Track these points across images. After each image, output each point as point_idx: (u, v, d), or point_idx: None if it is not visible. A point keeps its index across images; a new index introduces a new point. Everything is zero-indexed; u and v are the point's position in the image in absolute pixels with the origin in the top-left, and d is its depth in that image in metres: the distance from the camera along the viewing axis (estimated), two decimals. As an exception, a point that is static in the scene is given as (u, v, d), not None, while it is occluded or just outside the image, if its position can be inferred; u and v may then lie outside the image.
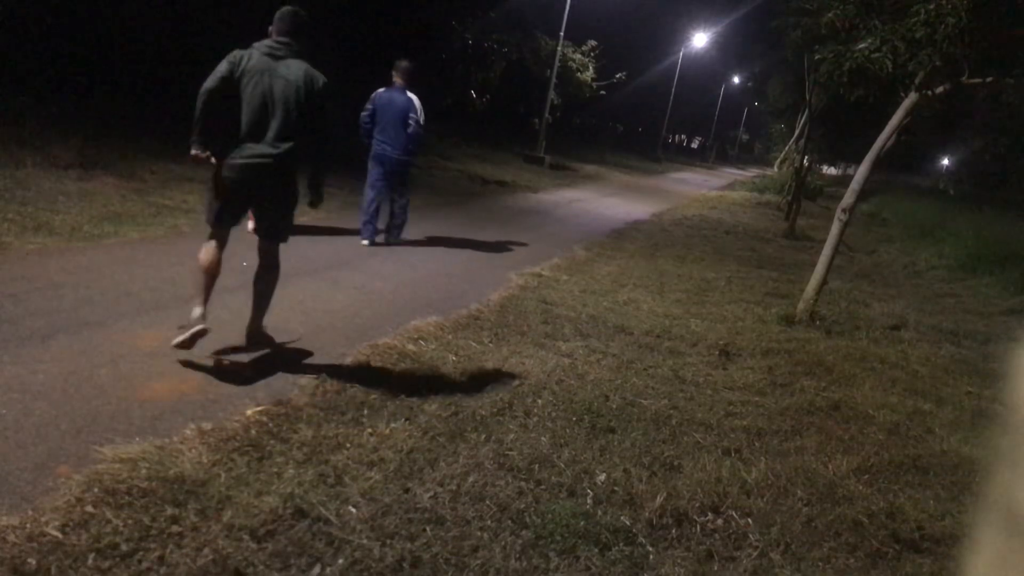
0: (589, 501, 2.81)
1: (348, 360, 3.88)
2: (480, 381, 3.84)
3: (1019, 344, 0.50)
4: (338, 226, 7.29)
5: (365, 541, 2.33)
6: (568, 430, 3.42)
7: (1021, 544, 0.48)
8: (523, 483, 2.86)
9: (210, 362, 3.52)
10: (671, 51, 38.61)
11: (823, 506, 3.06)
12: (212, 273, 3.48)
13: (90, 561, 2.02)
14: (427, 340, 4.34)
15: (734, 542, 2.71)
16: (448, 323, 4.73)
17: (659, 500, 2.84)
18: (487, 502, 2.68)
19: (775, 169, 29.09)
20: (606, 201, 15.16)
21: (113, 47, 11.35)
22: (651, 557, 2.53)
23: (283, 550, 2.22)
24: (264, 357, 3.75)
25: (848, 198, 6.41)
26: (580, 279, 6.74)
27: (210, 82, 3.38)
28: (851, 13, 6.02)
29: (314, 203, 3.85)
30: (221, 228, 3.57)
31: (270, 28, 3.56)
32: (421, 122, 6.80)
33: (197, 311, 3.41)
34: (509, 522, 2.58)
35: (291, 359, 3.78)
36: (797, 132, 20.56)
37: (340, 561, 2.23)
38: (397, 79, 6.84)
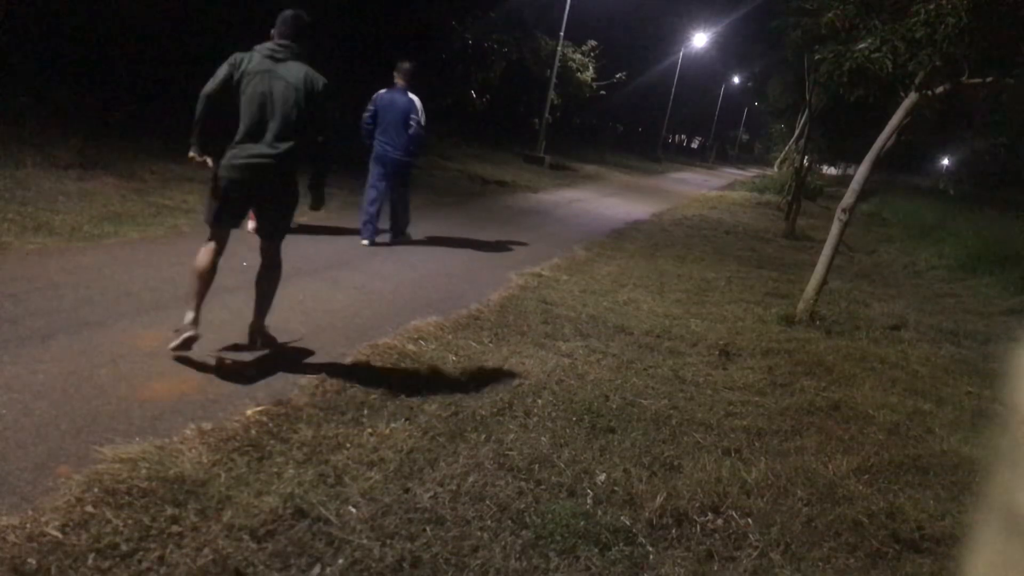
0: (589, 501, 2.81)
1: (348, 360, 3.89)
2: (480, 381, 3.84)
3: (1019, 344, 0.50)
4: (338, 226, 7.29)
5: (365, 541, 2.33)
6: (568, 430, 3.42)
7: (1021, 544, 0.48)
8: (523, 483, 2.86)
9: (212, 361, 3.53)
10: (671, 51, 38.62)
11: (823, 506, 3.06)
12: (205, 278, 3.48)
13: (90, 561, 2.02)
14: (427, 340, 4.34)
15: (734, 542, 2.71)
16: (448, 323, 4.73)
17: (659, 500, 2.84)
18: (487, 502, 2.68)
19: (775, 169, 29.09)
20: (606, 201, 15.16)
21: (113, 47, 11.35)
22: (651, 557, 2.53)
23: (283, 550, 2.22)
24: (265, 357, 3.75)
25: (848, 198, 6.41)
26: (580, 279, 6.74)
27: (210, 86, 3.42)
28: (851, 13, 6.03)
29: (315, 205, 3.86)
30: (221, 229, 3.57)
31: (272, 31, 3.57)
32: (422, 123, 6.83)
33: (189, 316, 3.42)
34: (509, 522, 2.58)
35: (291, 359, 3.78)
36: (797, 132, 20.56)
37: (340, 561, 2.23)
38: (398, 80, 6.86)
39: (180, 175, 7.92)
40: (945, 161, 25.20)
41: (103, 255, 5.07)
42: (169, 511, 2.28)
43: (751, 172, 44.07)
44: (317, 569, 2.18)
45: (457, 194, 12.33)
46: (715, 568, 2.54)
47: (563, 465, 3.06)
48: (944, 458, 3.78)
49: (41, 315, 3.76)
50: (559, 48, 21.80)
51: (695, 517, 2.80)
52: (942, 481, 3.50)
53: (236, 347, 3.77)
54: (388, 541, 2.36)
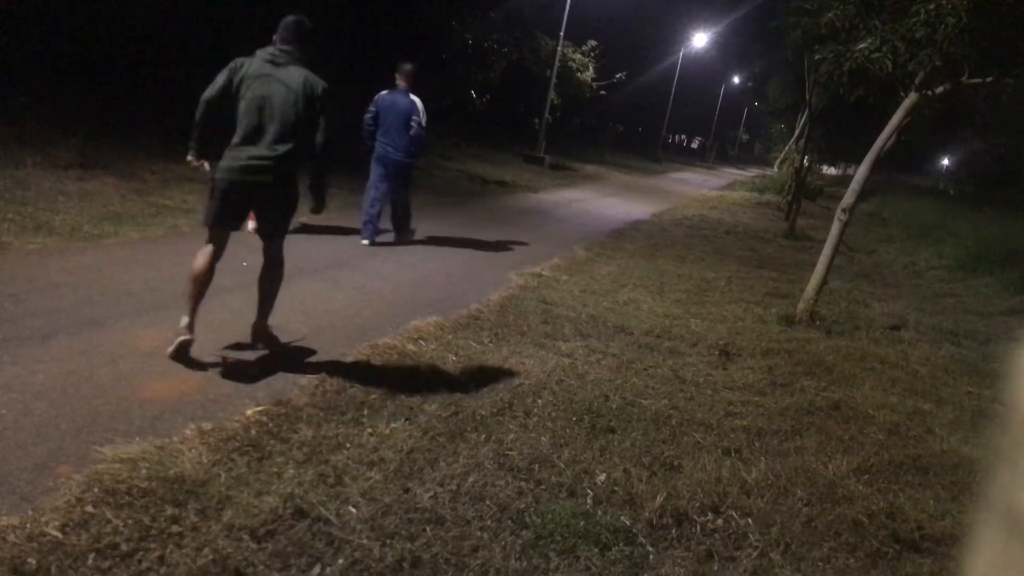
0: (589, 501, 2.81)
1: (348, 360, 3.89)
2: (480, 381, 3.84)
3: (1019, 344, 0.50)
4: (338, 226, 7.29)
5: (365, 541, 2.33)
6: (568, 430, 3.42)
7: (1021, 544, 0.48)
8: (523, 483, 2.86)
9: (214, 361, 3.53)
10: (671, 51, 38.61)
11: (823, 506, 3.06)
12: (202, 282, 3.48)
13: (90, 561, 2.02)
14: (427, 340, 4.34)
15: (734, 542, 2.71)
16: (448, 323, 4.73)
17: (659, 500, 2.84)
18: (487, 502, 2.68)
19: (775, 169, 29.09)
20: (606, 201, 15.16)
21: (113, 47, 11.35)
22: (651, 557, 2.53)
23: (283, 550, 2.22)
24: (266, 356, 3.75)
25: (848, 198, 6.41)
26: (580, 279, 6.74)
27: (209, 92, 3.45)
28: (851, 13, 6.03)
29: (316, 209, 3.88)
30: (220, 231, 3.57)
31: (275, 36, 3.61)
32: (423, 124, 6.87)
33: (184, 320, 3.43)
34: (509, 522, 2.58)
35: (291, 359, 3.78)
36: (797, 132, 20.55)
37: (340, 561, 2.23)
38: (400, 81, 6.89)
39: (180, 175, 7.92)
40: (945, 161, 25.20)
41: (103, 255, 5.07)
42: (169, 511, 2.28)
43: (751, 172, 44.07)
44: (317, 569, 2.18)
45: (457, 194, 12.33)
46: (715, 568, 2.54)
47: (563, 465, 3.06)
48: (944, 458, 3.78)
49: (41, 315, 3.76)
50: (559, 48, 21.80)
51: (695, 517, 2.80)
52: (942, 481, 3.50)
53: (238, 346, 3.78)
54: (388, 541, 2.36)
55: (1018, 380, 0.50)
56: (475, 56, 20.98)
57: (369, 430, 3.06)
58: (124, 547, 2.09)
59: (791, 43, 10.20)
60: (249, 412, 3.05)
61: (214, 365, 3.51)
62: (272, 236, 3.75)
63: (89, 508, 2.23)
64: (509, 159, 20.10)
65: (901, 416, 4.33)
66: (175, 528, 2.22)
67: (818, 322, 6.21)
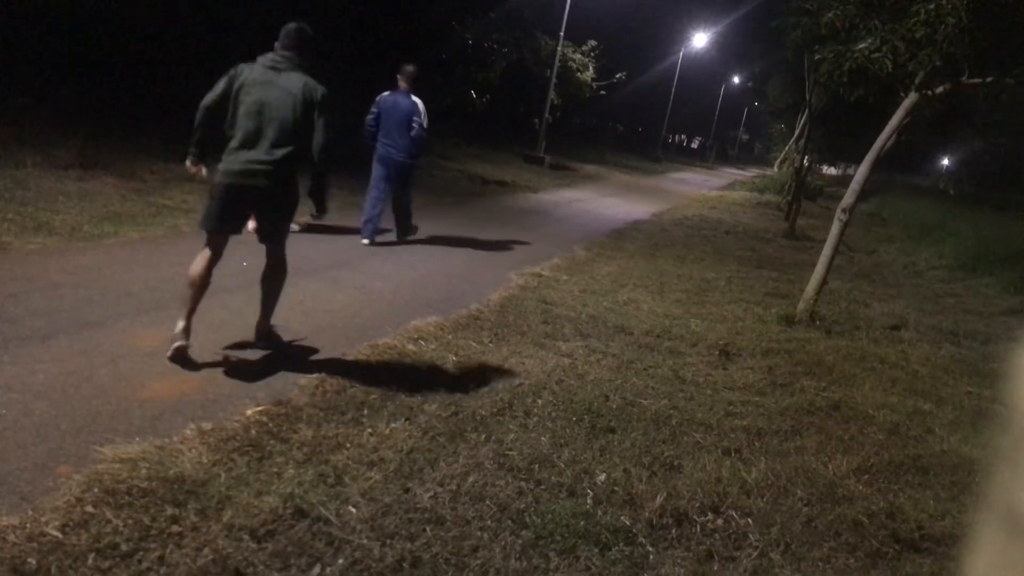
0: (589, 501, 2.81)
1: (348, 360, 3.89)
2: (480, 381, 3.84)
3: (1019, 344, 0.50)
4: (338, 226, 7.29)
5: (365, 541, 2.33)
6: (568, 430, 3.42)
7: (1021, 544, 0.48)
8: (523, 483, 2.86)
9: (215, 361, 3.54)
10: (671, 51, 38.62)
11: (823, 506, 3.06)
12: (199, 287, 3.47)
13: (90, 561, 2.02)
14: (427, 340, 4.34)
15: (734, 542, 2.71)
16: (448, 323, 4.73)
17: (659, 500, 2.84)
18: (487, 502, 2.68)
19: (775, 169, 29.10)
20: (606, 201, 15.16)
21: (113, 47, 11.35)
22: (651, 557, 2.53)
23: (283, 550, 2.22)
24: (266, 356, 3.75)
25: (848, 198, 6.41)
26: (580, 279, 6.74)
27: (209, 98, 3.49)
28: (851, 13, 6.02)
29: (317, 214, 3.90)
30: (219, 235, 3.56)
31: (276, 43, 3.64)
32: (425, 125, 6.93)
33: (180, 324, 3.42)
34: (509, 522, 2.58)
35: (291, 359, 3.79)
36: (797, 132, 20.56)
37: (340, 561, 2.23)
38: (402, 83, 6.93)
39: (180, 175, 7.90)
40: (945, 161, 25.19)
41: (103, 255, 5.07)
42: (169, 511, 2.28)
43: (751, 172, 44.07)
44: (317, 569, 2.18)
45: (457, 194, 12.33)
46: (715, 568, 2.54)
47: (563, 465, 3.06)
48: (944, 458, 3.78)
49: (41, 315, 3.76)
50: (559, 48, 21.80)
51: (695, 517, 2.80)
52: (942, 481, 3.50)
53: (242, 345, 3.78)
54: (388, 541, 2.36)
55: (1018, 380, 0.50)
56: (475, 56, 21.00)
57: (369, 430, 3.06)
58: (124, 547, 2.09)
59: (791, 43, 10.19)
60: (249, 412, 3.05)
61: (214, 365, 3.51)
62: (272, 236, 3.75)
63: (89, 508, 2.23)
64: (509, 159, 20.10)
65: (901, 416, 4.33)
66: (175, 528, 2.22)
67: (818, 322, 6.21)
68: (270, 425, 2.96)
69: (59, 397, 2.96)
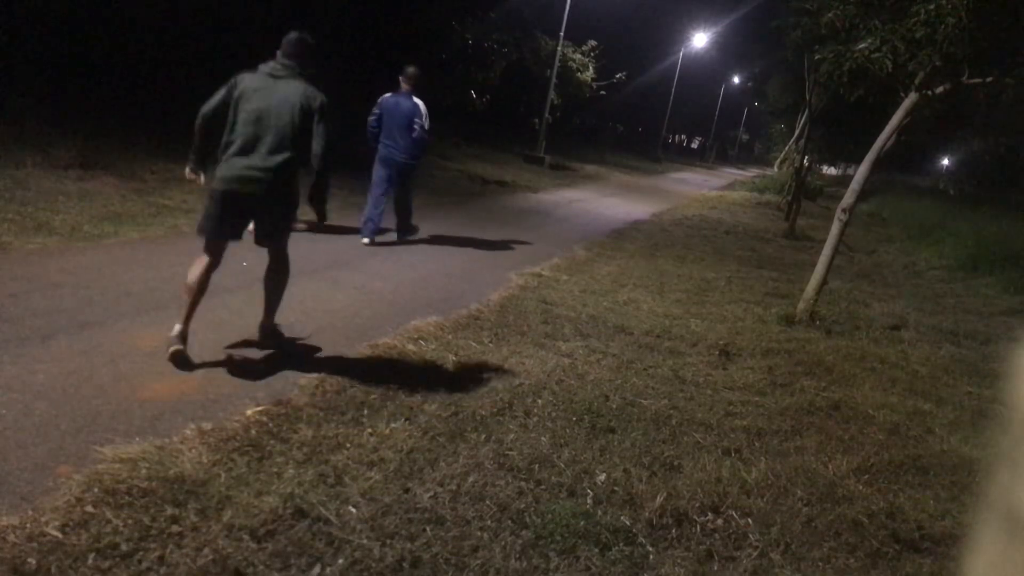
0: (589, 501, 2.81)
1: (348, 360, 3.89)
2: (480, 381, 3.84)
3: (1019, 344, 0.50)
4: (338, 226, 7.29)
5: (365, 541, 2.33)
6: (568, 430, 3.42)
7: (1021, 544, 0.48)
8: (523, 483, 2.86)
9: (216, 359, 3.54)
10: (671, 51, 38.62)
11: (823, 506, 3.06)
12: (196, 292, 3.46)
13: (90, 561, 2.02)
14: (427, 340, 4.34)
15: (734, 542, 2.71)
16: (448, 323, 4.73)
17: (659, 500, 2.84)
18: (487, 502, 2.68)
19: (775, 169, 29.09)
20: (606, 201, 15.16)
21: (113, 47, 11.35)
22: (651, 557, 2.53)
23: (283, 550, 2.22)
24: (267, 355, 3.75)
25: (848, 198, 6.41)
26: (580, 279, 6.74)
27: (208, 106, 3.52)
28: (851, 13, 6.03)
29: (318, 221, 3.92)
30: (218, 241, 3.56)
31: (278, 51, 3.67)
32: (426, 127, 6.96)
33: (176, 328, 3.42)
34: (509, 522, 2.58)
35: (291, 359, 3.79)
36: (797, 132, 20.56)
37: (340, 561, 2.23)
38: (404, 85, 6.95)
39: (180, 175, 7.87)
40: (945, 161, 25.19)
41: (103, 255, 5.07)
42: (169, 511, 2.28)
43: (751, 172, 44.07)
44: (317, 569, 2.18)
45: (457, 194, 12.33)
46: (715, 568, 2.54)
47: (563, 465, 3.06)
48: (944, 458, 3.78)
49: (41, 315, 3.76)
50: (559, 48, 21.79)
51: (695, 517, 2.80)
52: (942, 481, 3.50)
53: (242, 344, 3.78)
54: (388, 541, 2.36)
55: (1018, 380, 0.50)
56: (475, 56, 21.00)
57: (369, 430, 3.06)
58: (124, 547, 2.09)
59: (791, 43, 10.20)
60: (249, 412, 3.05)
61: (214, 365, 3.51)
62: (271, 236, 3.75)
63: (89, 508, 2.23)
64: (509, 159, 20.10)
65: (901, 416, 4.33)
66: (175, 528, 2.22)
67: (818, 322, 6.21)
68: (270, 425, 2.96)
69: (59, 397, 2.96)
